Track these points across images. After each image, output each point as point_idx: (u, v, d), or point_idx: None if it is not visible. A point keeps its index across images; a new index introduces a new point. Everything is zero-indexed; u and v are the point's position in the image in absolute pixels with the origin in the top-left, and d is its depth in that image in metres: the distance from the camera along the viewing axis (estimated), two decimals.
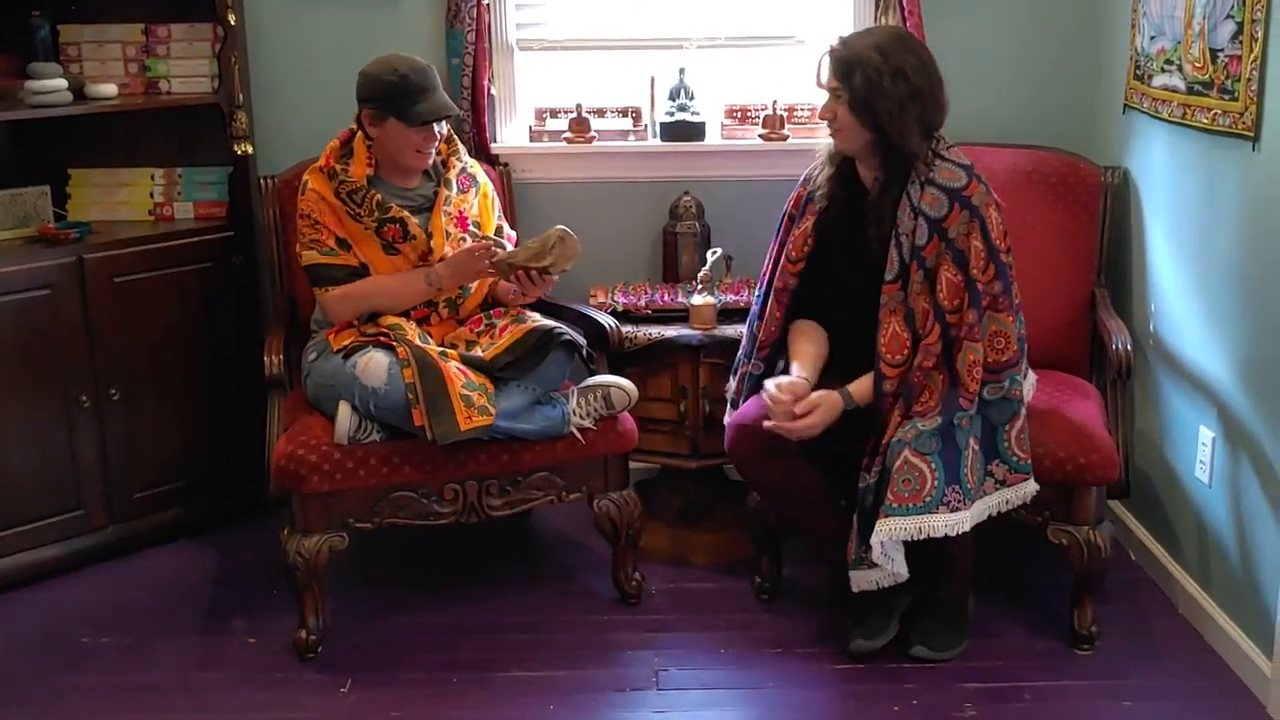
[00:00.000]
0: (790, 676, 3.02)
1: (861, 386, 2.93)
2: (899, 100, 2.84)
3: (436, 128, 3.20)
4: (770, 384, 2.92)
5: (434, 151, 3.24)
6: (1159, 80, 3.30)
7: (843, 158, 3.02)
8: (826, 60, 2.92)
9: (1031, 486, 2.93)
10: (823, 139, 3.09)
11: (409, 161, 3.23)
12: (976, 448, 2.88)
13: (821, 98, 2.98)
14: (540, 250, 3.10)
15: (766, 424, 2.89)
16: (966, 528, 2.85)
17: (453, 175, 3.32)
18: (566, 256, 3.11)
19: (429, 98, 3.15)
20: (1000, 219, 2.93)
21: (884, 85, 2.83)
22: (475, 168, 3.43)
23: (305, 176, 3.24)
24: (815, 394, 2.90)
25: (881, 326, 2.92)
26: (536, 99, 3.97)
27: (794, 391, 2.89)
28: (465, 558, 3.61)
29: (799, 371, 2.97)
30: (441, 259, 3.19)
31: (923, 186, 2.90)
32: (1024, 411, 2.94)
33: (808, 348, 3.05)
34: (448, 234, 3.25)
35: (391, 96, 3.14)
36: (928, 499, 2.82)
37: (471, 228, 3.30)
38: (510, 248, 3.21)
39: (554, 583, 3.47)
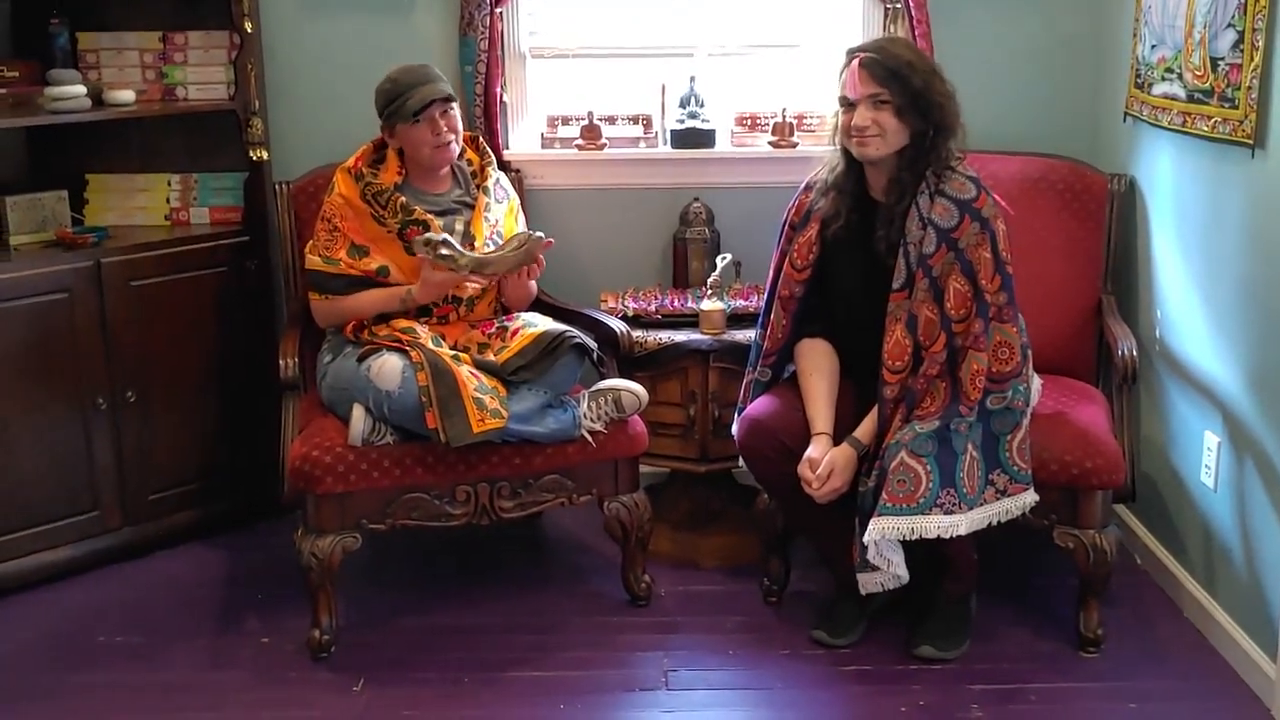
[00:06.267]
0: (798, 677, 3.05)
1: (866, 428, 2.98)
2: (948, 97, 2.92)
3: (443, 120, 3.24)
4: (802, 467, 2.96)
5: (454, 143, 3.28)
6: (1159, 89, 3.33)
7: (851, 177, 3.03)
8: (859, 70, 2.90)
9: (1031, 497, 2.95)
10: (827, 147, 3.11)
11: (427, 158, 3.28)
12: (975, 454, 2.91)
13: (833, 105, 3.00)
14: (520, 259, 3.18)
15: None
16: (961, 531, 2.87)
17: (490, 184, 3.39)
18: (531, 257, 3.19)
19: (418, 90, 3.21)
20: (1006, 229, 2.96)
21: (935, 85, 2.90)
22: (506, 182, 3.50)
23: (335, 176, 3.31)
24: (828, 456, 2.94)
25: (886, 333, 2.95)
26: (548, 106, 4.01)
27: (814, 467, 2.95)
28: (476, 559, 3.64)
29: (818, 427, 3.00)
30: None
31: (932, 197, 2.92)
32: (1026, 422, 2.97)
33: (820, 382, 3.06)
34: (488, 241, 3.30)
35: (389, 103, 3.23)
36: (921, 500, 2.85)
37: (495, 238, 3.35)
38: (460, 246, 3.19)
39: (564, 584, 3.50)
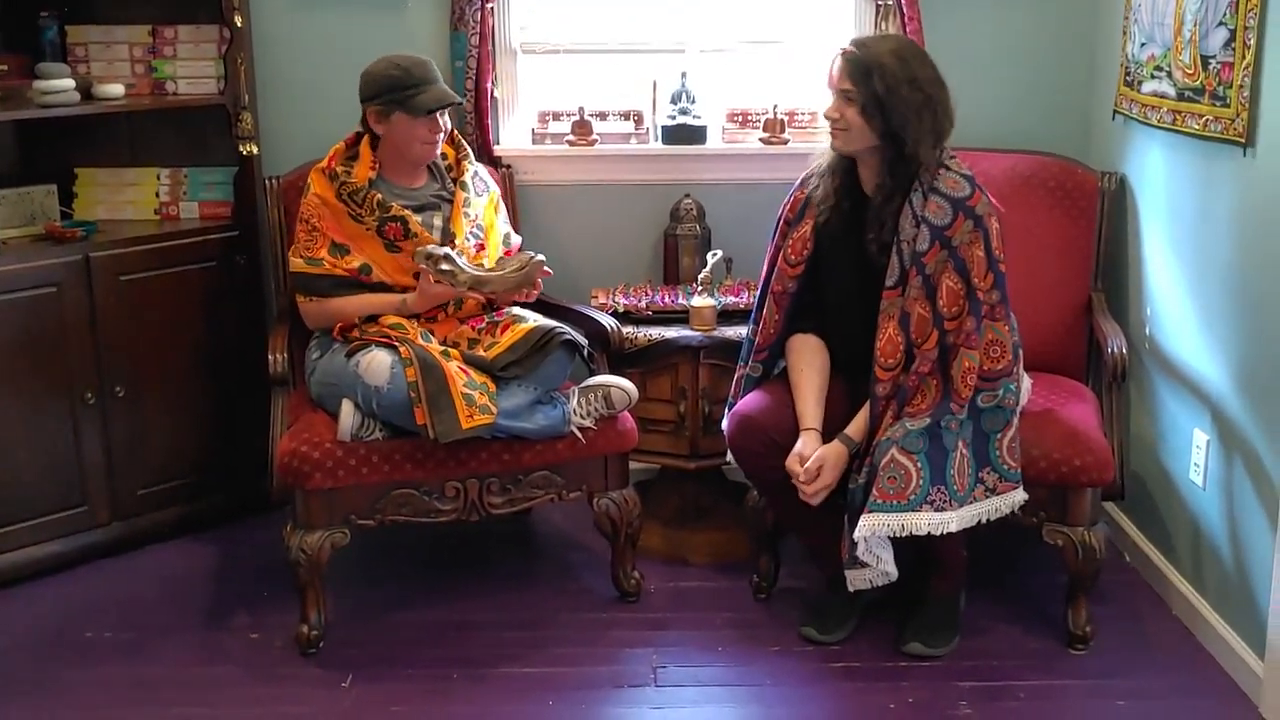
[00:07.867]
0: (787, 674, 3.05)
1: (857, 425, 2.98)
2: (915, 108, 2.88)
3: (441, 120, 3.25)
4: (790, 461, 2.95)
5: (440, 143, 3.29)
6: (1148, 86, 3.33)
7: (844, 165, 3.04)
8: (839, 61, 2.94)
9: (1020, 495, 2.96)
10: (821, 143, 3.12)
11: (416, 154, 3.28)
12: (965, 451, 2.91)
13: (825, 98, 3.00)
14: (518, 281, 3.19)
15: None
16: (952, 528, 2.88)
17: (468, 178, 3.38)
18: (530, 281, 3.21)
19: (431, 88, 3.22)
20: (999, 227, 2.96)
21: (901, 92, 2.87)
22: (485, 174, 3.49)
23: (309, 177, 3.29)
24: (818, 453, 2.94)
25: (878, 330, 2.95)
26: (539, 102, 4.01)
27: (801, 462, 2.94)
28: (466, 555, 3.64)
29: (806, 423, 3.00)
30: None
31: (926, 195, 2.92)
32: (1016, 420, 2.97)
33: (810, 378, 3.06)
34: (468, 236, 3.30)
35: (395, 90, 3.21)
36: (912, 497, 2.85)
37: (475, 232, 3.34)
38: (461, 262, 3.18)
39: (554, 580, 3.50)
